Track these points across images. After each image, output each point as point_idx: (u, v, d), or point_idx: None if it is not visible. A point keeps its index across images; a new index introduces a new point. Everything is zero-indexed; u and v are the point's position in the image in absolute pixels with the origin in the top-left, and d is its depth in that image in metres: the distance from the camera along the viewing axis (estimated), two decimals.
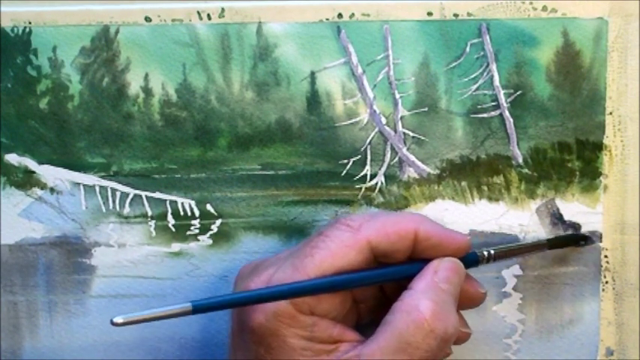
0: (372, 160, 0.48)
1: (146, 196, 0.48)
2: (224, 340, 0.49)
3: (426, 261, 0.41)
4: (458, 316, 0.41)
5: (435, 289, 0.39)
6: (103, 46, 0.47)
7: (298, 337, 0.39)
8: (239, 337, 0.41)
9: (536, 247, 0.46)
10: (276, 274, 0.39)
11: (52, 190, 0.48)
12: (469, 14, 0.46)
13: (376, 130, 0.47)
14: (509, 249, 0.45)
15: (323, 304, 0.39)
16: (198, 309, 0.37)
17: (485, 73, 0.47)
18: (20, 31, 0.46)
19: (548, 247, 0.46)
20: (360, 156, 0.48)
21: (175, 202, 0.48)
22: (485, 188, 0.48)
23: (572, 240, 0.48)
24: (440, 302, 0.39)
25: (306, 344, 0.39)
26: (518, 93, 0.47)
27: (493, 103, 0.47)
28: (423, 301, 0.38)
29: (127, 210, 0.48)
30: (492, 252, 0.43)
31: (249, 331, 0.39)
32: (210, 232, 0.48)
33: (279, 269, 0.39)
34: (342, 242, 0.39)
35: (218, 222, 0.48)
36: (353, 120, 0.47)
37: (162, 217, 0.48)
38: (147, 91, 0.47)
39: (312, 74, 0.47)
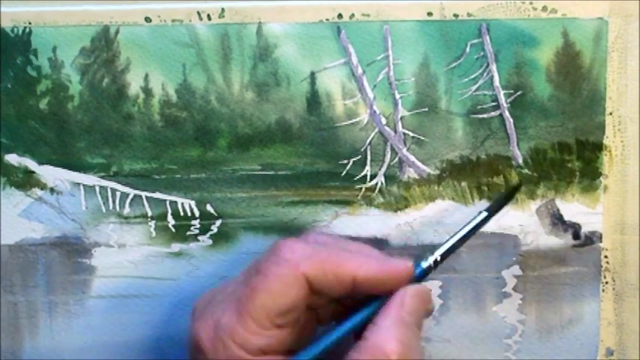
0: (372, 161, 0.48)
1: (146, 197, 0.48)
2: None
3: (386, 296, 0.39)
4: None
5: (400, 326, 0.38)
6: (103, 46, 0.47)
7: None
8: None
9: (479, 225, 0.43)
10: (222, 318, 0.38)
11: (52, 190, 0.48)
12: (469, 14, 0.46)
13: (376, 130, 0.47)
14: (454, 243, 0.42)
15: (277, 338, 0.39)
16: None
17: (485, 74, 0.47)
18: (20, 32, 0.46)
19: (490, 215, 0.44)
20: (360, 156, 0.48)
21: (175, 202, 0.48)
22: (485, 188, 0.48)
23: (508, 196, 0.46)
24: (406, 341, 0.38)
25: None
26: (518, 93, 0.47)
27: (493, 104, 0.47)
28: (389, 343, 0.37)
29: (127, 210, 0.48)
30: (438, 258, 0.41)
31: None
32: (210, 233, 0.48)
33: (225, 313, 0.39)
34: (281, 281, 0.38)
35: (218, 222, 0.48)
36: (353, 120, 0.47)
37: (162, 217, 0.48)
38: (147, 91, 0.47)
39: (312, 74, 0.47)
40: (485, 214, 0.43)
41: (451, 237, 0.42)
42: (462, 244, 0.42)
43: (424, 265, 0.41)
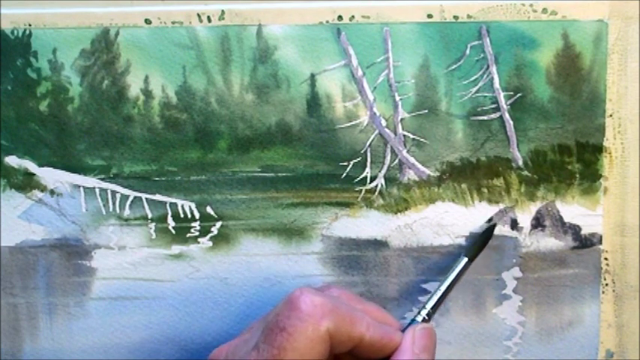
0: (372, 163, 0.48)
1: (146, 199, 0.48)
2: (224, 342, 0.49)
3: None
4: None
5: None
6: (103, 48, 0.47)
7: None
8: None
9: (462, 271, 0.45)
10: None
11: (52, 192, 0.48)
12: (469, 16, 0.46)
13: (376, 132, 0.47)
14: (441, 295, 0.44)
15: None
16: None
17: (485, 76, 0.47)
18: (20, 34, 0.46)
19: (470, 260, 0.46)
20: (360, 158, 0.48)
21: (175, 204, 0.48)
22: (485, 190, 0.48)
23: (484, 239, 0.47)
24: None
25: None
26: (518, 95, 0.47)
27: (493, 106, 0.47)
28: None
29: (127, 212, 0.48)
30: (429, 314, 0.43)
31: None
32: (210, 235, 0.48)
33: None
34: (307, 338, 0.38)
35: (218, 224, 0.48)
36: (353, 122, 0.47)
37: (162, 219, 0.48)
38: (147, 93, 0.47)
39: (312, 76, 0.47)
40: (465, 259, 0.45)
41: (436, 290, 0.44)
42: (449, 292, 0.44)
43: (419, 319, 0.43)
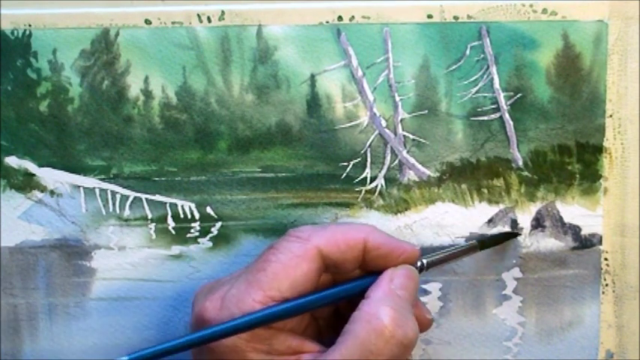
0: (372, 163, 0.48)
1: (146, 199, 0.48)
2: None
3: (377, 274, 0.41)
4: (420, 312, 0.42)
5: (392, 296, 0.39)
6: (103, 48, 0.47)
7: (257, 352, 0.38)
8: (198, 355, 0.40)
9: (469, 250, 0.45)
10: (231, 290, 0.39)
11: (52, 192, 0.48)
12: (469, 17, 0.46)
13: (376, 132, 0.47)
14: (442, 256, 0.44)
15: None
16: None
17: (485, 76, 0.47)
18: (20, 34, 0.46)
19: (480, 248, 0.46)
20: (360, 159, 0.47)
21: (175, 204, 0.48)
22: (485, 191, 0.48)
23: (502, 238, 0.47)
24: (398, 309, 0.38)
25: (266, 357, 0.39)
26: (518, 96, 0.47)
27: (493, 106, 0.47)
28: (382, 309, 0.38)
29: (127, 213, 0.48)
30: (425, 262, 0.43)
31: (207, 350, 0.39)
32: (210, 235, 0.48)
33: (234, 286, 0.39)
34: (293, 253, 0.39)
35: (218, 224, 0.48)
36: (353, 123, 0.47)
37: (162, 219, 0.48)
38: (147, 93, 0.47)
39: (312, 77, 0.47)
40: (476, 243, 0.46)
41: (441, 252, 0.44)
42: (447, 261, 0.45)
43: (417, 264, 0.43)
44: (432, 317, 0.43)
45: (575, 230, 0.48)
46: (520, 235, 0.48)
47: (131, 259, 0.48)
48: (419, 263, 0.42)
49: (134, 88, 0.47)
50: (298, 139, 0.47)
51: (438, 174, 0.48)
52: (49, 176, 0.48)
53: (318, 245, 0.39)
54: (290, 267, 0.39)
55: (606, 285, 0.48)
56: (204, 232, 0.48)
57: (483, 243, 0.46)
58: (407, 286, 0.40)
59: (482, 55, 0.47)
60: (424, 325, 0.43)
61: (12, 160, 0.47)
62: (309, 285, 0.39)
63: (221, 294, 0.39)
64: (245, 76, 0.47)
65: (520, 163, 0.48)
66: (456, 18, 0.46)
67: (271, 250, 0.40)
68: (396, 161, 0.48)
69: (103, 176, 0.48)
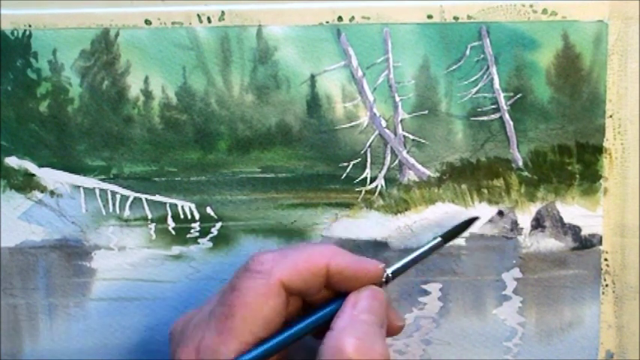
0: (372, 163, 0.48)
1: (146, 199, 0.48)
2: None
3: (344, 295, 0.40)
4: (391, 318, 0.41)
5: (355, 324, 0.38)
6: (103, 49, 0.47)
7: None
8: None
9: (434, 247, 0.44)
10: (204, 340, 0.38)
11: (52, 193, 0.48)
12: (469, 17, 0.46)
13: (376, 133, 0.47)
14: (407, 261, 0.43)
15: None
16: None
17: (485, 76, 0.47)
18: (20, 34, 0.46)
19: (444, 242, 0.45)
20: (360, 159, 0.47)
21: (175, 205, 0.48)
22: (485, 191, 0.48)
23: (463, 226, 0.46)
24: (362, 336, 0.37)
25: None
26: (518, 96, 0.47)
27: (493, 106, 0.47)
28: (345, 340, 0.37)
29: (127, 213, 0.48)
30: (390, 274, 0.42)
31: None
32: (210, 235, 0.48)
33: (205, 335, 0.38)
34: (257, 293, 0.38)
35: (218, 225, 0.48)
36: (353, 123, 0.47)
37: (162, 220, 0.48)
38: (147, 94, 0.47)
39: (312, 77, 0.47)
40: (439, 239, 0.44)
41: (405, 257, 0.43)
42: (413, 264, 0.43)
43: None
44: (404, 323, 0.42)
45: (575, 230, 0.48)
46: (479, 218, 0.47)
47: (131, 259, 0.48)
48: (384, 276, 0.41)
49: (134, 89, 0.47)
50: (298, 140, 0.47)
51: (438, 174, 0.48)
52: (49, 176, 0.48)
53: (281, 278, 0.38)
54: (257, 308, 0.38)
55: (606, 285, 0.48)
56: (204, 233, 0.48)
57: (446, 236, 0.45)
58: (372, 307, 0.39)
59: (482, 56, 0.47)
60: (394, 330, 0.42)
61: (12, 161, 0.47)
62: (279, 317, 0.39)
63: (194, 344, 0.38)
64: (245, 77, 0.47)
65: (520, 163, 0.48)
66: (456, 18, 0.46)
67: (235, 293, 0.38)
68: (396, 161, 0.48)
69: (103, 176, 0.48)
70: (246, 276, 0.39)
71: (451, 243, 0.48)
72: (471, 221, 0.46)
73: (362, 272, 0.40)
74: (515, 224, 0.48)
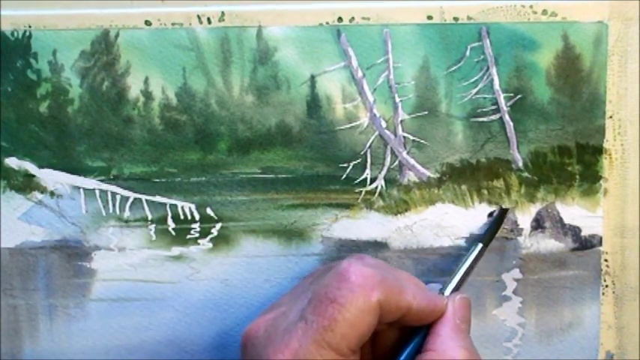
0: (372, 164, 0.48)
1: (146, 200, 0.48)
2: (224, 344, 0.49)
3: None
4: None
5: (459, 332, 0.41)
6: (103, 49, 0.47)
7: None
8: None
9: (479, 255, 0.45)
10: (300, 350, 0.38)
11: (52, 193, 0.48)
12: (469, 18, 0.46)
13: (376, 133, 0.47)
14: (460, 276, 0.44)
15: None
16: None
17: (485, 77, 0.47)
18: (20, 35, 0.46)
19: (486, 246, 0.46)
20: (360, 159, 0.48)
21: (175, 205, 0.48)
22: (485, 192, 0.48)
23: (497, 223, 0.47)
24: (468, 346, 0.40)
25: None
26: (518, 97, 0.47)
27: (493, 107, 0.47)
28: (455, 350, 0.40)
29: (127, 214, 0.48)
30: (448, 292, 0.44)
31: None
32: (211, 236, 0.48)
33: (302, 344, 0.38)
34: (358, 309, 0.38)
35: (218, 225, 0.48)
36: (353, 123, 0.47)
37: (162, 220, 0.48)
38: (147, 94, 0.47)
39: (312, 78, 0.47)
40: (480, 245, 0.46)
41: (454, 274, 0.45)
42: (467, 277, 0.45)
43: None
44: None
45: (575, 231, 0.48)
46: (509, 209, 0.48)
47: (131, 260, 0.48)
48: (445, 297, 0.43)
49: (134, 89, 0.47)
50: (298, 140, 0.47)
51: (438, 175, 0.48)
52: (49, 177, 0.48)
53: (380, 301, 0.39)
54: (356, 324, 0.38)
55: (606, 286, 0.48)
56: (204, 233, 0.48)
57: (485, 240, 0.46)
58: (466, 316, 0.42)
59: (482, 56, 0.47)
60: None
61: (12, 161, 0.47)
62: (370, 334, 0.39)
63: (290, 350, 0.38)
64: (245, 77, 0.47)
65: (520, 164, 0.48)
66: (456, 19, 0.46)
67: (336, 307, 0.38)
68: (396, 162, 0.48)
69: (103, 177, 0.48)
70: (347, 287, 0.39)
71: (451, 244, 0.48)
72: (502, 215, 0.47)
73: (434, 310, 0.41)
74: (515, 225, 0.48)
